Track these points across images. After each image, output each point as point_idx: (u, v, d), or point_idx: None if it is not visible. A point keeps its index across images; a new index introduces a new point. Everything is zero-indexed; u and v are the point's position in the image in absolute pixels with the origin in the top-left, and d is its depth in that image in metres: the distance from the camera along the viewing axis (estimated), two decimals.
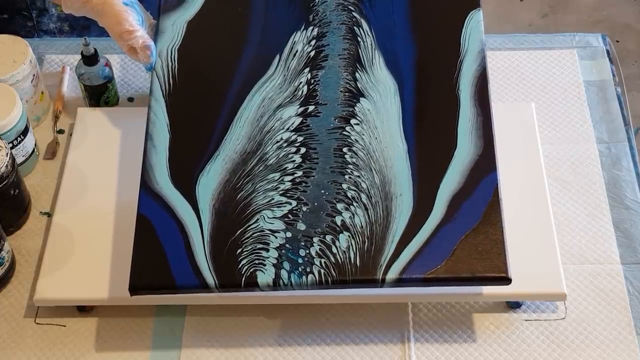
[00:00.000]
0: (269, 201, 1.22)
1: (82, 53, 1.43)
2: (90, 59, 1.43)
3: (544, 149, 1.42)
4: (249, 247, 1.18)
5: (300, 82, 1.32)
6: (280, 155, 1.26)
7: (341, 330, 1.27)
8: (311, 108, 1.30)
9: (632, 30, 2.71)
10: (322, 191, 1.22)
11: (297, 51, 1.35)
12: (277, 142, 1.27)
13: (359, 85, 1.32)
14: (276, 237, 1.19)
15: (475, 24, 1.36)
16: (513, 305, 1.28)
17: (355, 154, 1.25)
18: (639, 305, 1.29)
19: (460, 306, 1.29)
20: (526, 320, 1.27)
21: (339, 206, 1.21)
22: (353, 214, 1.20)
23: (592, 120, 1.48)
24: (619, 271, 1.32)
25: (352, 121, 1.28)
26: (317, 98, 1.31)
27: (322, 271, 1.16)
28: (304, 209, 1.21)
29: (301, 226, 1.20)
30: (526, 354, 1.24)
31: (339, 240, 1.18)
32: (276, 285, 1.16)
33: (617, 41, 2.66)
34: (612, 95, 1.51)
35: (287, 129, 1.28)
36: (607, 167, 1.42)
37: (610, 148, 1.44)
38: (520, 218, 1.28)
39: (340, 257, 1.17)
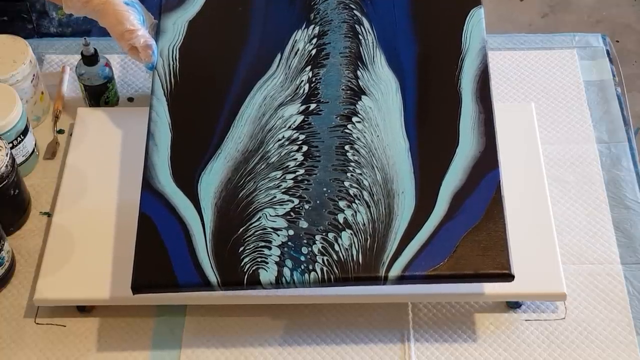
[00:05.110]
0: (271, 199, 1.22)
1: (82, 53, 1.42)
2: (90, 59, 1.43)
3: (544, 149, 1.42)
4: (252, 245, 1.18)
5: (302, 81, 1.32)
6: (282, 154, 1.25)
7: (341, 330, 1.27)
8: (313, 106, 1.30)
9: (632, 30, 2.72)
10: (324, 189, 1.22)
11: (298, 49, 1.35)
12: (279, 140, 1.27)
13: (360, 83, 1.32)
14: (278, 235, 1.18)
15: (476, 22, 1.36)
16: (513, 305, 1.28)
17: (357, 151, 1.25)
18: (639, 305, 1.28)
19: (460, 306, 1.28)
20: (526, 320, 1.27)
21: (341, 204, 1.21)
22: (355, 212, 1.20)
23: (592, 120, 1.48)
24: (619, 271, 1.32)
25: (354, 119, 1.28)
26: (318, 96, 1.31)
27: (325, 269, 1.16)
28: (306, 206, 1.21)
29: (303, 224, 1.19)
30: (526, 354, 1.24)
31: (341, 238, 1.18)
32: (279, 283, 1.16)
33: (617, 41, 2.66)
34: (612, 95, 1.51)
35: (289, 127, 1.28)
36: (607, 167, 1.42)
37: (610, 148, 1.44)
38: (520, 218, 1.28)
39: (343, 255, 1.17)
